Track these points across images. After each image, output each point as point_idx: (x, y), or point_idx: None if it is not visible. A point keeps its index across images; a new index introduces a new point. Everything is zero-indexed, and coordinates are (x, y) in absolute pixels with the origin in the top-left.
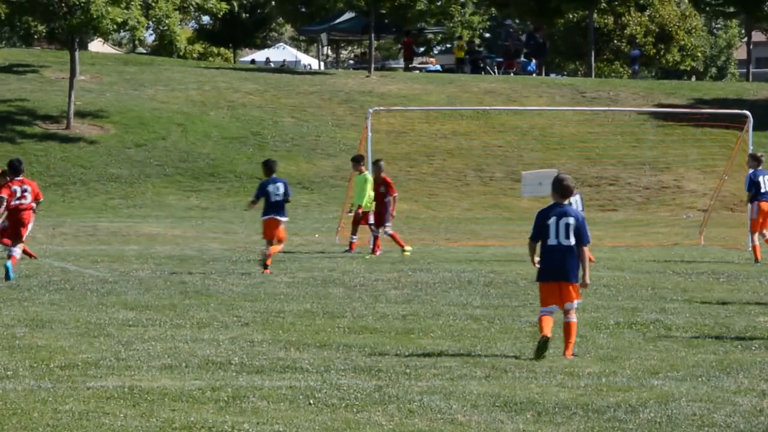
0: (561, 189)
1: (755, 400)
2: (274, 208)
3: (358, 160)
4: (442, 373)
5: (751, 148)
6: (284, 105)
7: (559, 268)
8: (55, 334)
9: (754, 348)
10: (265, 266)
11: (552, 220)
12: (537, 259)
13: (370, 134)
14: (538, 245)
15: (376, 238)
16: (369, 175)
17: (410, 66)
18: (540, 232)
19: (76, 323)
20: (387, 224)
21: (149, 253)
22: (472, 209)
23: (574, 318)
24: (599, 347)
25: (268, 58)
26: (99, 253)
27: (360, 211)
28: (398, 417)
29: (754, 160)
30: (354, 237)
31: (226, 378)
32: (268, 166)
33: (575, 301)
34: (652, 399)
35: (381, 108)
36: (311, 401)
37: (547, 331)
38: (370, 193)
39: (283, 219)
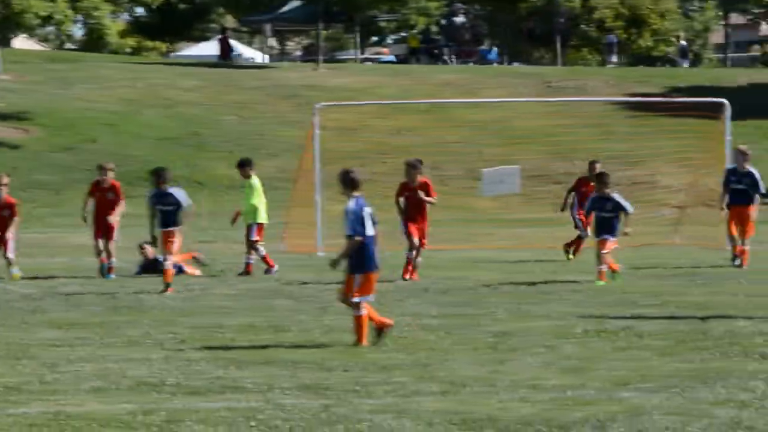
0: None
1: (733, 411)
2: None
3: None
4: (394, 389)
5: (729, 138)
6: (225, 102)
7: None
8: None
9: (732, 355)
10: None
11: None
12: None
13: (317, 132)
14: None
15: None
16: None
17: (225, 63)
18: None
19: None
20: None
21: (78, 266)
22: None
23: None
24: (565, 357)
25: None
26: (23, 266)
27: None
28: None
29: None
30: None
31: (160, 400)
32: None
33: None
34: (621, 413)
35: (329, 103)
36: (252, 423)
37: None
38: None
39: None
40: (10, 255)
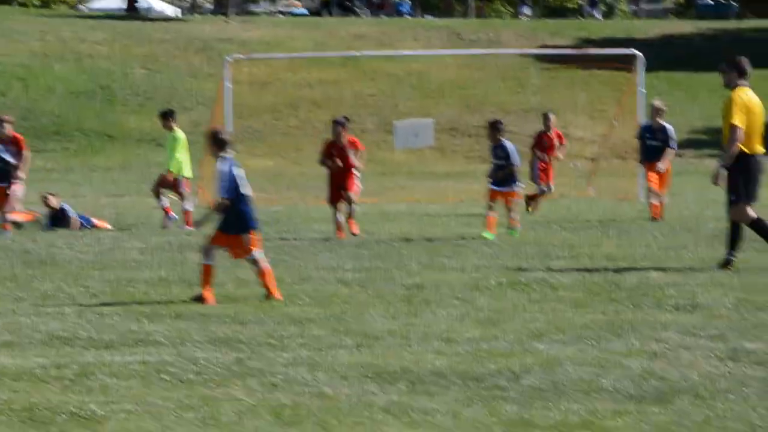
0: None
1: (646, 362)
2: None
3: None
4: (309, 342)
5: (642, 90)
6: (135, 55)
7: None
8: None
9: (645, 306)
10: None
11: None
12: None
13: (228, 85)
14: None
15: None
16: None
17: (133, 15)
18: None
19: None
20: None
21: None
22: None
23: None
24: (479, 310)
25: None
26: None
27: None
28: (260, 392)
29: None
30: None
31: (72, 354)
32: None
33: None
34: (536, 364)
35: (240, 56)
36: (165, 377)
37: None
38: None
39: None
40: None
